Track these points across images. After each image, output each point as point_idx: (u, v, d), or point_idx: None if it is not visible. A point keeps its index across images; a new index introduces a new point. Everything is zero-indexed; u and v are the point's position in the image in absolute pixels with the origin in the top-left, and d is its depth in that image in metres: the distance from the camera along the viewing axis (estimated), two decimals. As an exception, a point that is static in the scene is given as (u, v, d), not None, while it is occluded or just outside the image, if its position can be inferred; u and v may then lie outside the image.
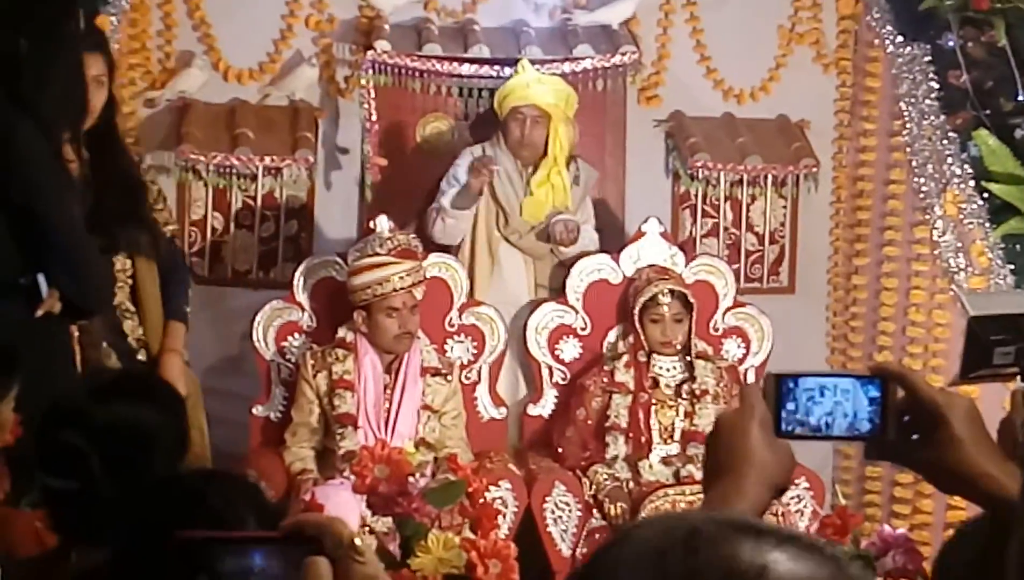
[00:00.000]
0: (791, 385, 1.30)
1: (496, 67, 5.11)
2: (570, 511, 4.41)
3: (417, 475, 3.92)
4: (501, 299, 4.87)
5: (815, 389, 1.30)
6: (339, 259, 4.74)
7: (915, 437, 1.30)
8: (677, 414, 4.56)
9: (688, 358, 4.60)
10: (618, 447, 4.52)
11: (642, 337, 4.59)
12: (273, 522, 1.18)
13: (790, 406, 1.30)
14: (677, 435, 4.54)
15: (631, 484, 4.44)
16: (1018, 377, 2.48)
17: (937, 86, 5.03)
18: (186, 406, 2.35)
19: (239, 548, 1.02)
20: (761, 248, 5.41)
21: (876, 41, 5.25)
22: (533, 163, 4.90)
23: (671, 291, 4.57)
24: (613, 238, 5.13)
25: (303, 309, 4.76)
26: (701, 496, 4.43)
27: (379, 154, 5.14)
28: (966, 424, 1.27)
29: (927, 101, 5.03)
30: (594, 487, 4.45)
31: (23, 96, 3.01)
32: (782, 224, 5.39)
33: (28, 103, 3.02)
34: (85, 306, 3.39)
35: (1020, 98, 5.00)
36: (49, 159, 3.06)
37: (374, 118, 5.09)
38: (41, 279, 3.16)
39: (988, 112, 5.03)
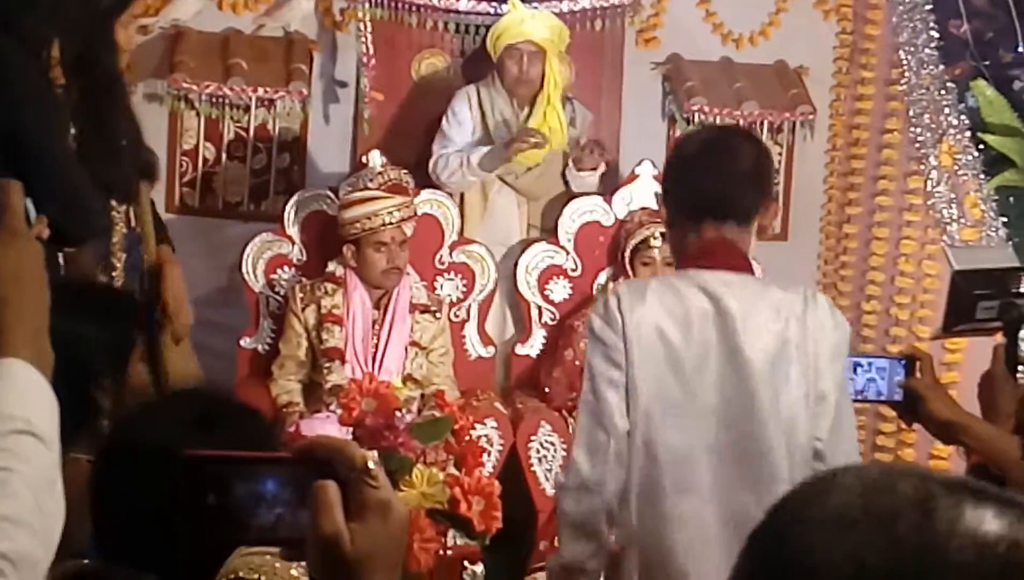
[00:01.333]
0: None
1: (493, 3, 5.05)
2: (555, 451, 4.41)
3: (403, 410, 3.92)
4: (492, 239, 4.85)
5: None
6: (331, 193, 4.71)
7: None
8: (665, 356, 4.55)
9: (677, 302, 4.58)
10: (605, 388, 4.51)
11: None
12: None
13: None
14: (664, 378, 4.53)
15: (617, 425, 4.44)
16: (1000, 332, 2.48)
17: (937, 35, 4.99)
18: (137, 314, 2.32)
19: (249, 470, 1.00)
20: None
21: (877, -12, 5.21)
22: (529, 102, 4.86)
23: (662, 234, 4.55)
24: (607, 180, 5.10)
25: (293, 242, 4.74)
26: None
27: (375, 89, 5.10)
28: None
29: (926, 50, 4.99)
30: (580, 427, 4.45)
31: (6, 11, 2.95)
32: (777, 171, 5.35)
33: (12, 18, 2.95)
34: (74, 233, 3.35)
35: (1020, 50, 4.96)
36: (34, 78, 2.99)
37: (371, 51, 5.03)
38: (29, 204, 3.12)
39: (987, 63, 4.99)
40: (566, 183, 4.92)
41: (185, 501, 0.99)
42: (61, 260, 3.61)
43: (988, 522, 0.73)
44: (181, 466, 0.99)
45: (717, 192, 2.46)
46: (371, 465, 0.99)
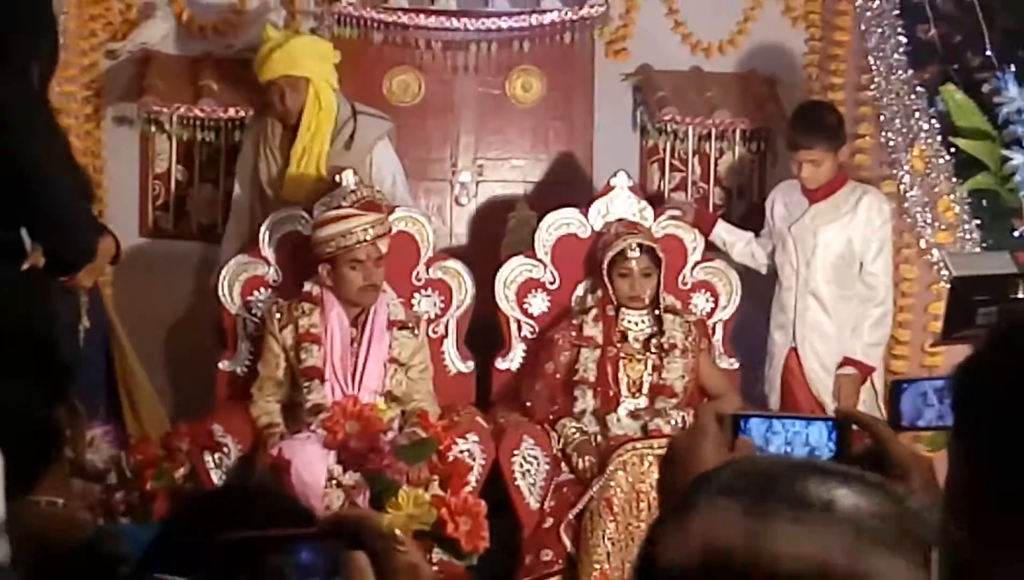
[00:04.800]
0: (744, 424, 1.36)
1: (463, 19, 5.01)
2: (538, 465, 4.36)
3: (386, 431, 3.86)
4: None
5: (766, 427, 1.36)
6: (304, 213, 4.64)
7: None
8: (645, 368, 4.52)
9: (656, 312, 4.55)
10: (586, 401, 4.47)
11: (611, 291, 4.53)
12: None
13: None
14: (645, 389, 4.50)
15: (599, 438, 4.40)
16: None
17: (905, 40, 4.97)
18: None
19: (278, 546, 1.03)
20: (729, 202, 5.37)
21: (845, -6, 5.19)
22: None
23: (640, 245, 4.51)
24: (581, 192, 5.07)
25: (269, 263, 4.68)
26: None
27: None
28: (923, 482, 1.34)
29: (895, 55, 4.97)
30: (562, 441, 4.41)
31: None
32: (749, 179, 5.34)
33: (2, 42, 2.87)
34: (70, 260, 3.27)
35: (988, 53, 4.94)
36: (30, 105, 2.90)
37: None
38: (24, 233, 3.02)
39: (956, 67, 4.98)
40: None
41: None
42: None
43: (810, 487, 0.91)
44: (212, 548, 1.02)
45: None
46: (397, 532, 1.02)
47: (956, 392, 1.17)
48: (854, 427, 1.35)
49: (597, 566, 4.13)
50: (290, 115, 4.65)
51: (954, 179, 4.87)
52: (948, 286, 4.16)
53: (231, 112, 4.96)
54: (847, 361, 4.64)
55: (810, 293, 4.65)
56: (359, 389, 4.29)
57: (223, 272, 4.63)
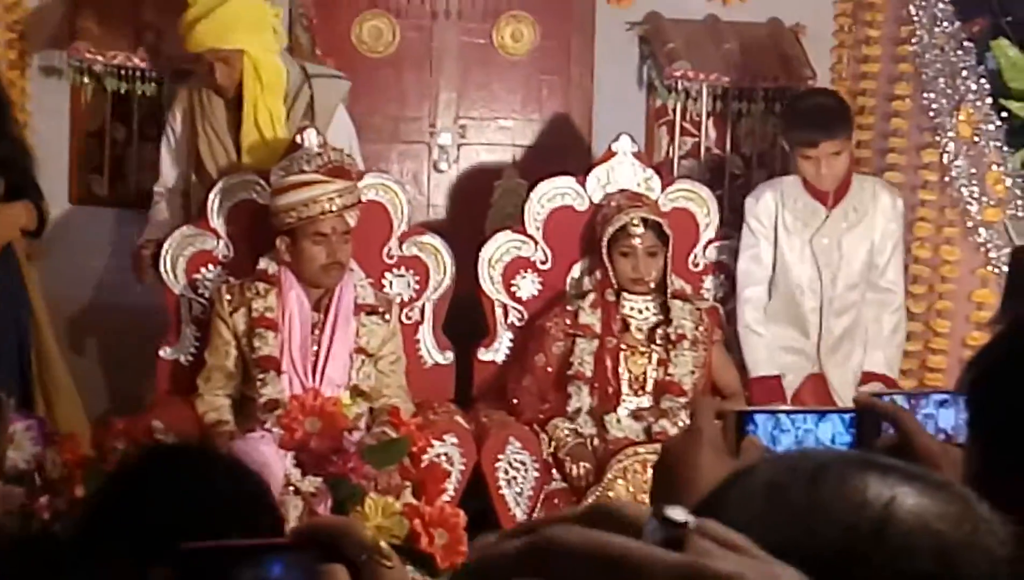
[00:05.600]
0: (751, 422, 1.33)
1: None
2: (526, 471, 4.38)
3: (352, 430, 3.87)
4: None
5: (772, 424, 1.33)
6: (260, 179, 4.63)
7: None
8: (649, 362, 4.53)
9: (663, 298, 4.55)
10: (582, 399, 4.48)
11: (611, 273, 4.54)
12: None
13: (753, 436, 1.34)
14: (649, 386, 4.51)
15: (596, 441, 4.41)
16: None
17: (952, -13, 4.98)
18: None
19: (249, 559, 1.02)
20: (748, 171, 5.37)
21: (884, -68, 5.20)
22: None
23: (644, 220, 4.51)
24: (578, 158, 5.09)
25: (218, 236, 4.67)
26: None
27: (308, 57, 5.03)
28: (953, 479, 1.32)
29: (940, 5, 4.98)
30: (554, 444, 4.42)
31: None
32: (772, 145, 5.35)
33: None
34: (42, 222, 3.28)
35: (1046, 4, 4.96)
36: None
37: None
38: None
39: (1009, 19, 4.99)
40: None
41: None
42: None
43: (869, 485, 0.90)
44: (173, 560, 1.00)
45: None
46: (383, 544, 1.01)
47: (973, 390, 1.18)
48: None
49: (592, 587, 4.15)
50: (226, 91, 4.60)
51: (1005, 148, 4.88)
52: (1009, 257, 4.18)
53: (176, 63, 4.93)
54: (869, 376, 4.64)
55: (835, 313, 4.65)
56: (321, 382, 4.29)
57: (165, 245, 4.62)
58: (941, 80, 4.97)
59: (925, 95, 5.02)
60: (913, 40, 5.05)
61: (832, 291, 4.64)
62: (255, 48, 4.56)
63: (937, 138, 4.98)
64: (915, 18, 5.02)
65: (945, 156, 4.95)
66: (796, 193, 4.66)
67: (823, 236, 4.64)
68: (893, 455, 1.33)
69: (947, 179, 4.96)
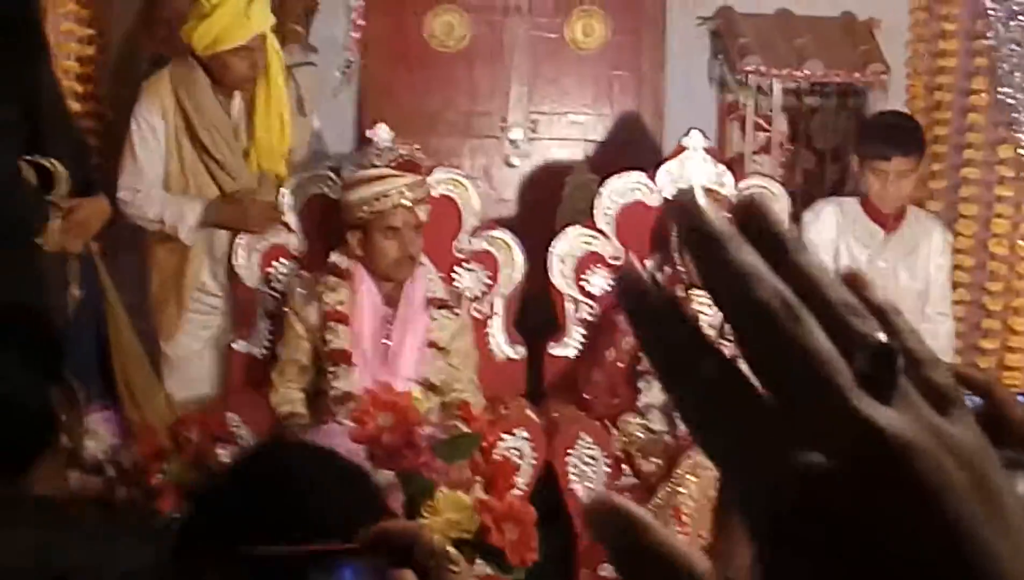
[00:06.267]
0: None
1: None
2: (596, 466, 4.38)
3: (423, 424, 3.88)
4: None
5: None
6: (332, 173, 4.67)
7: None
8: (720, 356, 4.51)
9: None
10: (652, 394, 4.48)
11: (680, 268, 4.53)
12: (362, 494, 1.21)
13: None
14: (719, 381, 4.50)
15: (667, 436, 4.40)
16: None
17: (1030, -20, 4.93)
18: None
19: (321, 562, 1.05)
20: (821, 167, 5.34)
21: (960, -75, 5.15)
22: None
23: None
24: (650, 154, 5.07)
25: (291, 230, 4.70)
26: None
27: (381, 52, 5.06)
28: None
29: (1016, -1, 4.94)
30: (624, 439, 4.42)
31: None
32: (844, 140, 5.32)
33: None
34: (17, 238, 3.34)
35: None
36: None
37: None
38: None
39: (1087, 13, 4.93)
40: None
41: None
42: None
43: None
44: (247, 564, 1.04)
45: None
46: (450, 550, 1.03)
47: None
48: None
49: (662, 583, 4.14)
50: (244, 82, 4.51)
51: (1083, 144, 4.83)
52: None
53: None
54: None
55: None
56: (393, 375, 4.31)
57: (239, 239, 4.65)
58: (1017, 75, 4.93)
59: (1001, 90, 4.97)
60: (989, 34, 5.00)
61: None
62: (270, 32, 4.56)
63: (1013, 133, 4.94)
64: (991, 12, 4.98)
65: (1021, 152, 4.91)
66: (855, 214, 4.64)
67: (881, 260, 4.61)
68: (984, 426, 1.31)
69: (1023, 175, 4.92)
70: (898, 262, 4.62)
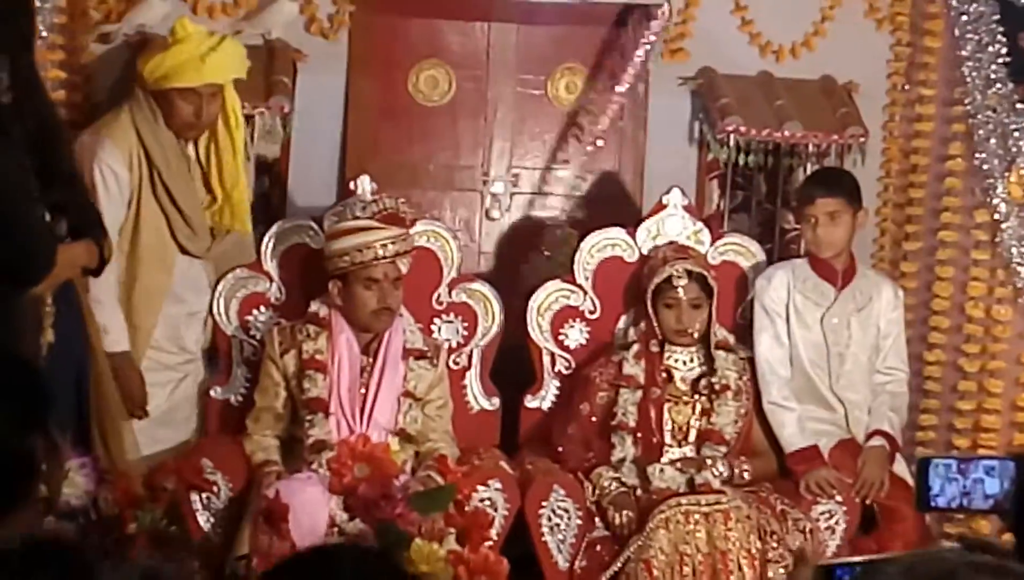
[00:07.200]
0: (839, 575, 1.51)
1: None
2: (569, 519, 4.38)
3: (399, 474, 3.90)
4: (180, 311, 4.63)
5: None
6: (314, 224, 4.70)
7: None
8: (693, 412, 4.53)
9: (707, 349, 4.57)
10: (625, 448, 4.49)
11: (655, 324, 4.56)
12: None
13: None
14: (692, 436, 4.52)
15: (639, 491, 4.41)
16: None
17: (1005, 50, 4.99)
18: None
19: None
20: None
21: (937, -6, 5.22)
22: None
23: (688, 272, 4.53)
24: (630, 210, 5.10)
25: (271, 279, 4.73)
26: (718, 507, 4.45)
27: (365, 104, 5.09)
28: None
29: (993, 66, 4.99)
30: (597, 493, 4.42)
31: None
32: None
33: None
34: (26, 275, 3.36)
35: (1100, 67, 4.96)
36: None
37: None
38: None
39: (1063, 82, 5.00)
40: None
41: None
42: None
43: None
44: None
45: None
46: None
47: None
48: None
49: (632, 638, 4.15)
50: (199, 127, 4.50)
51: (1057, 210, 4.88)
52: None
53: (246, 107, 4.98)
54: (878, 433, 4.61)
55: (843, 389, 4.64)
56: (368, 426, 4.32)
57: (219, 286, 4.67)
58: (993, 141, 4.98)
59: (977, 155, 5.03)
60: (966, 101, 5.06)
61: (840, 369, 4.63)
62: (229, 84, 4.53)
63: (988, 199, 4.99)
64: (968, 79, 5.04)
65: (996, 216, 4.95)
66: (806, 274, 4.66)
67: (833, 316, 4.64)
68: None
69: (999, 240, 4.96)
70: (851, 318, 4.64)
